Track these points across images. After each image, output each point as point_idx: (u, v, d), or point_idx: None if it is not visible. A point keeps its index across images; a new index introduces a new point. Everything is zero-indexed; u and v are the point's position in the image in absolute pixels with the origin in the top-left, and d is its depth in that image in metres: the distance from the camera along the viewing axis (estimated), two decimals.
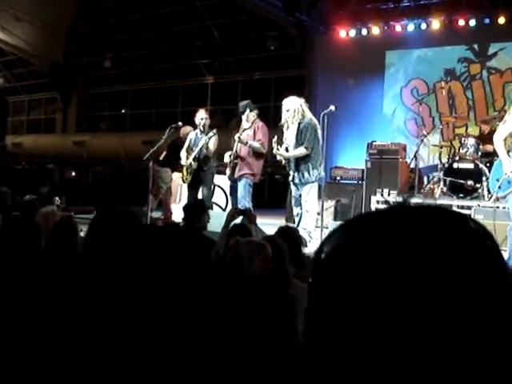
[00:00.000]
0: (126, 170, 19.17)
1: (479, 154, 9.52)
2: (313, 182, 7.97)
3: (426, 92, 12.53)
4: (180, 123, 9.96)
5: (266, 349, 2.34)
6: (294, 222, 8.34)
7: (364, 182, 10.68)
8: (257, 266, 3.21)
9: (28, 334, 2.21)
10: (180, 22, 19.49)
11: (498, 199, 7.96)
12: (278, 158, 8.23)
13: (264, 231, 6.76)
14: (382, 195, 9.91)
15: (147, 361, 1.74)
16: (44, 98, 26.61)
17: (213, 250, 4.88)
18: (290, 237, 4.37)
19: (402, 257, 0.70)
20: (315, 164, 7.94)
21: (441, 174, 9.66)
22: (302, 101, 8.15)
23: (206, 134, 9.26)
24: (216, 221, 6.71)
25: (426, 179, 10.55)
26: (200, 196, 9.33)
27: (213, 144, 9.26)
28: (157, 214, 10.29)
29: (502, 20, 11.40)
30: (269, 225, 8.44)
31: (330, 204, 10.49)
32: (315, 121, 8.05)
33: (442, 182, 9.58)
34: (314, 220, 8.07)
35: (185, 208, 6.35)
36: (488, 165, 9.25)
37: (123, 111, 24.61)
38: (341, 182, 11.25)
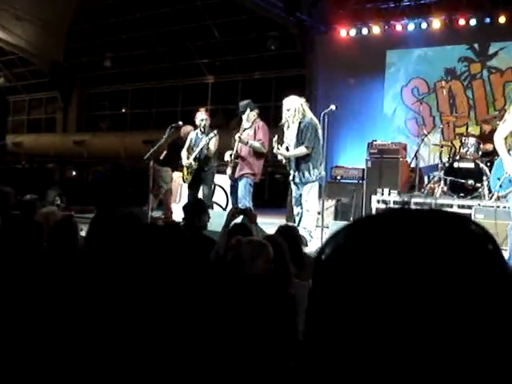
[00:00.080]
0: (126, 169, 19.17)
1: (480, 153, 9.51)
2: (313, 181, 7.97)
3: (426, 91, 12.53)
4: (180, 123, 9.95)
5: (267, 348, 2.34)
6: (294, 222, 8.34)
7: (364, 182, 10.67)
8: (258, 266, 3.21)
9: (29, 331, 2.21)
10: (180, 21, 19.49)
11: (499, 198, 7.97)
12: (279, 157, 8.23)
13: (264, 231, 6.76)
14: (382, 195, 9.90)
15: (147, 359, 1.74)
16: (44, 97, 26.62)
17: (213, 249, 4.88)
18: (290, 236, 4.37)
19: (403, 260, 0.70)
20: (316, 163, 7.94)
21: (441, 174, 9.65)
22: (302, 100, 8.15)
23: (207, 135, 9.26)
24: (216, 220, 6.70)
25: (426, 179, 10.55)
26: (200, 195, 9.33)
27: (213, 144, 9.26)
28: (157, 214, 10.30)
29: (502, 19, 11.39)
30: (269, 224, 8.44)
31: (330, 203, 10.49)
32: (316, 120, 8.05)
33: (442, 182, 9.58)
34: (314, 219, 8.07)
35: (185, 207, 6.34)
36: (488, 164, 9.24)
37: (123, 111, 24.62)
38: (341, 181, 11.25)
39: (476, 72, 12.10)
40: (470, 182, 9.18)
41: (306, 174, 7.92)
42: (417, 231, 0.72)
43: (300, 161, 7.97)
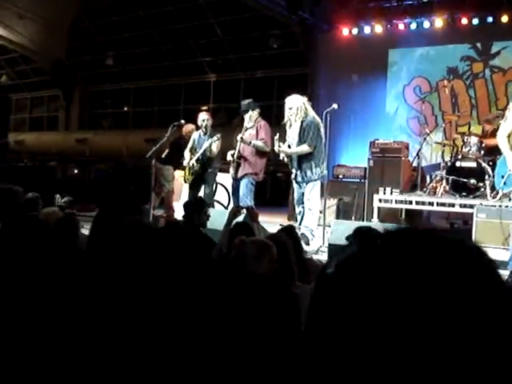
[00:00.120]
0: (128, 167, 19.15)
1: (482, 152, 9.50)
2: (315, 180, 7.97)
3: (428, 90, 12.52)
4: (182, 121, 9.96)
5: (270, 348, 2.34)
6: (296, 220, 8.34)
7: (366, 181, 10.67)
8: (263, 266, 3.20)
9: (29, 330, 2.22)
10: (183, 19, 19.48)
11: (502, 196, 7.98)
12: (281, 156, 8.23)
13: (266, 229, 6.76)
14: (384, 193, 9.90)
15: (149, 357, 1.74)
16: (46, 95, 26.63)
17: (215, 247, 4.88)
18: (292, 237, 4.37)
19: (403, 282, 0.72)
20: (318, 162, 7.94)
21: (443, 173, 9.64)
22: (304, 99, 8.15)
23: (210, 136, 9.25)
24: (218, 219, 6.70)
25: (428, 178, 10.53)
26: (201, 195, 9.34)
27: (216, 147, 9.26)
28: (159, 212, 10.30)
29: (505, 19, 11.38)
30: (271, 223, 8.45)
31: (332, 202, 10.49)
32: (318, 119, 8.04)
33: (444, 181, 9.57)
34: (316, 218, 8.08)
35: (185, 205, 6.37)
36: (491, 163, 9.24)
37: (125, 109, 24.62)
38: (343, 180, 11.25)
39: (478, 71, 12.08)
40: (472, 181, 9.17)
41: (308, 172, 7.92)
42: (418, 255, 0.74)
43: (302, 159, 7.97)
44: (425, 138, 10.50)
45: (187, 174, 9.39)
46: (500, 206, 8.26)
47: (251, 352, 2.28)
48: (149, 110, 23.20)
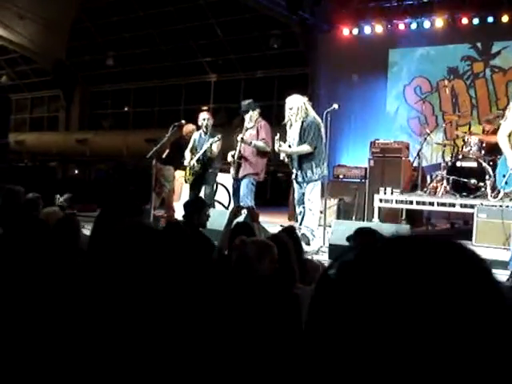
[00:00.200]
0: (128, 167, 19.15)
1: (482, 152, 9.50)
2: (316, 180, 7.97)
3: (429, 90, 12.53)
4: (183, 121, 9.95)
5: (271, 348, 2.35)
6: (296, 221, 8.34)
7: (367, 181, 10.68)
8: (264, 267, 3.20)
9: (30, 330, 2.22)
10: (183, 20, 19.48)
11: (505, 195, 7.99)
12: (281, 156, 8.22)
13: (267, 229, 6.76)
14: (385, 194, 9.90)
15: (151, 356, 1.74)
16: (47, 95, 26.64)
17: (216, 248, 4.88)
18: (292, 238, 4.37)
19: (405, 289, 0.73)
20: (318, 162, 7.93)
21: (444, 173, 9.64)
22: (305, 99, 8.15)
23: (210, 136, 9.26)
24: (218, 219, 6.70)
25: (429, 178, 10.53)
26: (202, 195, 9.34)
27: (217, 147, 9.26)
28: (160, 212, 10.30)
29: (505, 18, 11.39)
30: (271, 223, 8.45)
31: (332, 202, 10.49)
32: (318, 119, 8.04)
33: (445, 181, 9.56)
34: (316, 218, 8.07)
35: (185, 205, 6.38)
36: (491, 163, 9.24)
37: (126, 109, 24.63)
38: (344, 180, 11.25)
39: (479, 71, 12.09)
40: (473, 181, 9.16)
41: (309, 172, 7.92)
42: (419, 263, 0.75)
43: (303, 160, 7.96)
44: (425, 138, 10.50)
45: (188, 174, 9.39)
46: (501, 206, 8.25)
47: (253, 351, 2.29)
48: (149, 110, 23.21)
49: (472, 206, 8.69)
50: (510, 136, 6.31)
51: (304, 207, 8.03)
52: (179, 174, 10.24)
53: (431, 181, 10.14)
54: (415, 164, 10.78)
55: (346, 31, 13.19)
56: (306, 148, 7.88)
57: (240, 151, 8.77)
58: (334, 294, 0.78)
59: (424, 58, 12.60)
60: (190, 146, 9.53)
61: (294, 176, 8.20)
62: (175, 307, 1.95)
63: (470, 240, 8.28)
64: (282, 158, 8.25)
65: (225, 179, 10.46)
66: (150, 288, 1.93)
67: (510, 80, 11.72)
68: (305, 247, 6.23)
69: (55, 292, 2.43)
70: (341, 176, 11.32)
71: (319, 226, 8.19)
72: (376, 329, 0.72)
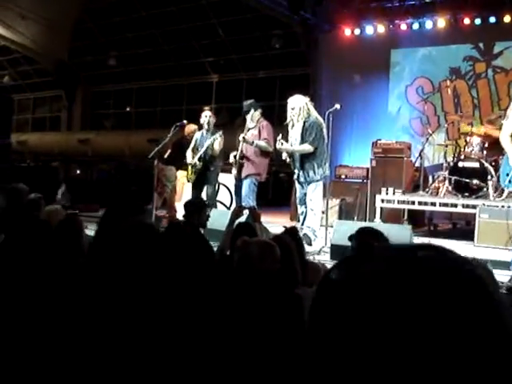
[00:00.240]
0: (130, 168, 19.17)
1: (484, 152, 9.50)
2: (318, 180, 7.97)
3: (431, 91, 12.52)
4: (185, 121, 9.95)
5: (273, 349, 2.35)
6: (298, 221, 8.34)
7: (369, 181, 10.67)
8: (266, 267, 3.20)
9: (31, 330, 2.22)
10: (185, 20, 19.49)
11: (509, 194, 7.99)
12: (283, 156, 8.22)
13: (269, 230, 6.76)
14: (386, 194, 9.90)
15: (153, 356, 1.74)
16: (49, 96, 26.66)
17: (217, 248, 4.89)
18: (295, 239, 4.37)
19: (404, 295, 0.74)
20: (320, 163, 7.94)
21: (446, 173, 9.63)
22: (307, 99, 8.15)
23: (212, 134, 9.27)
24: (220, 219, 6.72)
25: (431, 178, 10.52)
26: (204, 195, 9.35)
27: (218, 144, 9.27)
28: (161, 212, 10.31)
29: (507, 19, 11.38)
30: (273, 223, 8.44)
31: (334, 203, 10.50)
32: (320, 119, 8.04)
33: (447, 181, 9.55)
34: (318, 218, 8.07)
35: (185, 205, 6.40)
36: (493, 164, 9.24)
37: (128, 109, 24.64)
38: (346, 180, 11.25)
39: (481, 71, 12.08)
40: (475, 181, 9.16)
41: (311, 173, 7.92)
42: (419, 281, 0.76)
43: (304, 160, 7.97)
44: (427, 139, 10.50)
45: (190, 173, 9.40)
46: (503, 206, 8.25)
47: (255, 352, 2.29)
48: (151, 110, 23.23)
49: (474, 207, 8.69)
50: None
51: (306, 207, 8.04)
52: (181, 174, 10.25)
53: (433, 181, 10.13)
54: (417, 164, 10.77)
55: (347, 31, 13.19)
56: (307, 147, 7.88)
57: (242, 151, 8.77)
58: (335, 297, 0.78)
59: (426, 58, 12.59)
60: (191, 145, 9.55)
61: (295, 176, 8.20)
62: (177, 307, 1.95)
63: (472, 240, 8.28)
64: (284, 157, 8.24)
65: (227, 179, 10.46)
66: (152, 289, 1.94)
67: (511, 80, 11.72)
68: (307, 247, 6.23)
69: (58, 293, 2.44)
70: (343, 176, 11.32)
71: (321, 226, 8.19)
72: (376, 332, 0.72)
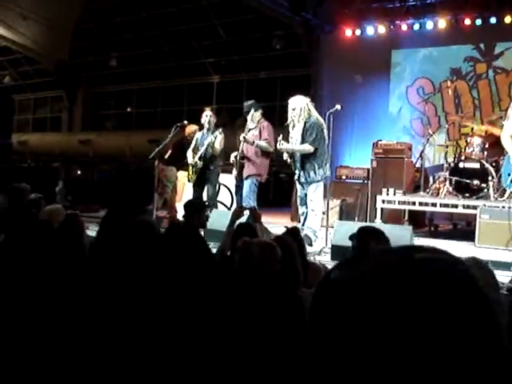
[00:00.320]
0: (131, 168, 19.18)
1: (485, 153, 9.50)
2: (318, 181, 7.97)
3: (431, 91, 12.51)
4: (185, 122, 9.96)
5: (274, 350, 2.35)
6: (299, 221, 8.34)
7: (369, 182, 10.67)
8: (267, 268, 3.20)
9: (33, 330, 2.22)
10: (186, 20, 19.50)
11: (511, 195, 7.99)
12: (284, 156, 8.22)
13: (269, 230, 6.76)
14: (387, 194, 9.89)
15: (154, 356, 1.74)
16: (50, 96, 26.68)
17: (218, 248, 4.89)
18: (297, 240, 4.37)
19: (402, 296, 0.76)
20: (321, 163, 7.94)
21: (446, 174, 9.63)
22: (308, 100, 8.15)
23: (212, 133, 9.28)
24: (221, 219, 6.72)
25: (431, 179, 10.52)
26: (205, 195, 9.35)
27: (219, 143, 9.28)
28: (162, 213, 10.31)
29: (508, 19, 11.37)
30: (274, 224, 8.44)
31: (335, 203, 10.49)
32: (321, 120, 8.04)
33: (447, 182, 9.55)
34: (319, 219, 8.07)
35: (185, 205, 6.41)
36: (494, 164, 9.23)
37: (129, 110, 24.65)
38: (346, 181, 11.25)
39: (482, 72, 12.08)
40: (476, 182, 9.16)
41: (312, 173, 7.92)
42: (415, 281, 0.77)
43: (305, 160, 7.97)
44: (428, 139, 10.50)
45: (191, 172, 9.40)
46: (503, 207, 8.24)
47: (256, 352, 2.29)
48: (152, 110, 23.23)
49: (475, 207, 8.68)
50: None
51: (306, 208, 8.04)
52: (182, 175, 10.25)
53: (434, 182, 10.13)
54: (418, 165, 10.77)
55: (348, 32, 13.18)
56: (307, 147, 7.89)
57: (242, 151, 8.78)
58: (333, 296, 0.79)
59: (427, 58, 12.59)
60: (192, 145, 9.55)
61: (296, 177, 8.20)
62: (178, 308, 1.95)
63: (473, 241, 8.28)
64: (284, 158, 8.24)
65: (227, 180, 10.46)
66: (150, 289, 1.94)
67: None
68: (307, 248, 6.23)
69: (59, 293, 2.44)
70: (343, 177, 11.31)
71: (322, 226, 8.19)
72: (373, 330, 0.73)
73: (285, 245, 3.56)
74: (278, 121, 11.77)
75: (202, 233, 7.61)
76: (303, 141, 7.92)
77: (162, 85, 22.62)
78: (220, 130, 9.30)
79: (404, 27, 12.61)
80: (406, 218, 9.94)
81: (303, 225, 7.98)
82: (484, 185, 9.13)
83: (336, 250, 6.91)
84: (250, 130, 8.83)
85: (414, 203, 9.61)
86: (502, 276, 5.54)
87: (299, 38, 16.11)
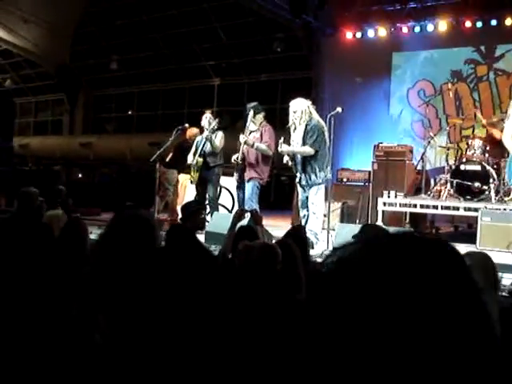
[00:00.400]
0: (132, 171, 19.19)
1: (486, 155, 9.50)
2: (320, 183, 7.98)
3: (432, 93, 12.52)
4: (186, 125, 9.97)
5: (275, 351, 2.35)
6: (300, 224, 8.34)
7: (371, 184, 10.67)
8: (267, 270, 3.20)
9: (33, 331, 2.22)
10: (187, 23, 19.52)
11: None
12: (285, 159, 8.22)
13: (271, 233, 6.77)
14: (388, 197, 9.89)
15: (155, 356, 1.74)
16: (51, 99, 26.69)
17: (219, 251, 4.89)
18: (298, 238, 4.37)
19: (399, 284, 0.76)
20: (322, 166, 7.94)
21: (448, 176, 9.63)
22: (309, 102, 8.16)
23: (212, 132, 9.28)
24: (222, 222, 6.72)
25: (432, 181, 10.52)
26: (207, 196, 9.36)
27: (219, 141, 9.27)
28: (163, 216, 10.31)
29: (508, 21, 11.38)
30: (275, 227, 8.45)
31: (336, 206, 10.48)
32: (322, 122, 8.05)
33: (448, 184, 9.55)
34: (320, 222, 8.08)
35: (182, 208, 6.44)
36: (495, 167, 9.23)
37: (130, 113, 24.66)
38: (347, 183, 11.25)
39: (482, 74, 12.08)
40: (477, 184, 9.15)
41: (313, 176, 7.92)
42: (410, 262, 0.78)
43: (306, 163, 7.97)
44: (429, 142, 10.50)
45: (193, 173, 9.40)
46: (505, 209, 8.24)
47: (257, 353, 2.29)
48: (153, 113, 23.25)
49: (476, 210, 8.67)
50: None
51: (308, 211, 8.04)
52: (183, 178, 10.26)
53: (435, 184, 10.13)
54: (419, 167, 10.76)
55: (349, 35, 13.20)
56: (307, 149, 7.89)
57: (243, 153, 8.76)
58: (327, 288, 0.79)
59: (427, 61, 12.60)
60: (193, 149, 9.54)
61: (297, 179, 8.20)
62: (178, 309, 1.96)
63: (474, 243, 8.27)
64: (285, 161, 8.24)
65: (228, 183, 10.46)
66: (149, 290, 1.94)
67: None
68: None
69: (60, 294, 2.44)
70: (344, 179, 11.32)
71: (323, 229, 8.20)
72: (368, 323, 0.73)
73: (287, 249, 3.55)
74: (279, 123, 11.78)
75: (203, 235, 7.63)
76: (304, 143, 7.93)
77: (162, 88, 22.64)
78: (220, 131, 9.32)
79: (405, 30, 12.63)
80: (407, 220, 9.94)
81: (304, 227, 7.98)
82: (485, 187, 9.12)
83: None
84: (251, 132, 8.82)
85: (415, 205, 9.60)
86: (503, 279, 5.54)
87: (300, 41, 16.11)
